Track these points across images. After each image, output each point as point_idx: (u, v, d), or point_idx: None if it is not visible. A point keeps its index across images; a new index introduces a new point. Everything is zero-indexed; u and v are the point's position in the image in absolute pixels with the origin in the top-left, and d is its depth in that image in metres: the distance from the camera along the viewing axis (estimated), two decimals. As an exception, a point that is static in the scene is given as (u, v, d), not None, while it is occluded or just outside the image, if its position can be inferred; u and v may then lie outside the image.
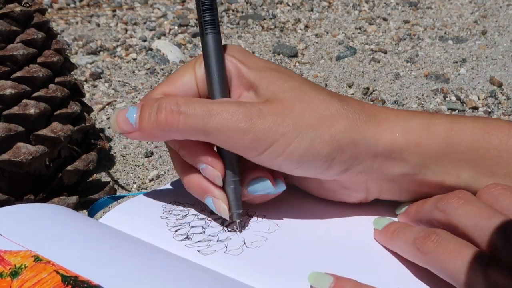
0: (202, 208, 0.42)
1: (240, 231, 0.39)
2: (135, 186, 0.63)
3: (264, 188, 0.39)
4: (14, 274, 0.33)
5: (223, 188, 0.39)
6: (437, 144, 0.37)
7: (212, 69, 0.38)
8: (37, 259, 0.34)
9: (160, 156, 0.68)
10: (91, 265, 0.34)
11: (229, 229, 0.40)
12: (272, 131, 0.36)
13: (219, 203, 0.38)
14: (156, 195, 0.44)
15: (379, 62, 0.93)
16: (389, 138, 0.37)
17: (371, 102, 0.80)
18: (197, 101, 0.37)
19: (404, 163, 0.37)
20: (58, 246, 0.35)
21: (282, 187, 0.40)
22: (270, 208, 0.41)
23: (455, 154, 0.37)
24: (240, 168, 0.39)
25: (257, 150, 0.36)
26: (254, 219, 0.41)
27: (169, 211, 0.42)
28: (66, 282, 0.32)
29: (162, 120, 0.36)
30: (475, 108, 0.78)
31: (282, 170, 0.38)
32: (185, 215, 0.41)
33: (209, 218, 0.41)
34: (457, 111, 0.77)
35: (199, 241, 0.39)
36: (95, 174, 0.64)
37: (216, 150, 0.39)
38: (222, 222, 0.41)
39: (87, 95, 0.81)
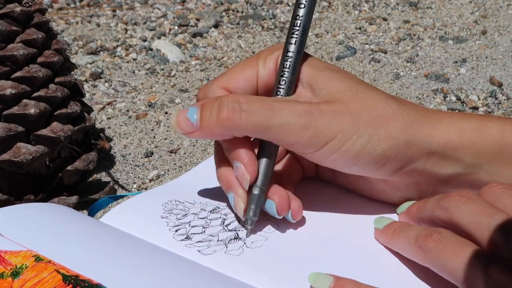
0: (203, 207, 0.42)
1: (247, 236, 0.39)
2: (135, 186, 0.63)
3: (270, 211, 0.39)
4: (15, 274, 0.33)
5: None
6: (490, 145, 0.38)
7: (290, 70, 0.39)
8: (38, 258, 0.34)
9: (160, 156, 0.68)
10: (91, 264, 0.34)
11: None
12: (331, 127, 0.36)
13: (238, 201, 0.39)
14: (156, 194, 0.44)
15: (379, 62, 0.93)
16: (443, 138, 0.38)
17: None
18: (258, 99, 0.37)
19: (457, 162, 0.38)
20: (58, 246, 0.35)
21: (287, 218, 0.39)
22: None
23: (508, 155, 0.38)
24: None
25: (316, 146, 0.37)
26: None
27: (169, 210, 0.42)
28: (67, 282, 0.32)
29: (223, 118, 0.37)
30: (475, 108, 0.78)
31: (337, 167, 0.38)
32: (185, 215, 0.41)
33: (209, 218, 0.41)
34: (457, 111, 0.77)
35: (199, 241, 0.39)
36: (95, 174, 0.64)
37: (256, 155, 0.39)
38: (222, 222, 0.41)
39: (87, 95, 0.81)
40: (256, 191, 0.39)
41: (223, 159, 0.40)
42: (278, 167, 0.44)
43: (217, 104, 0.37)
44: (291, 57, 0.39)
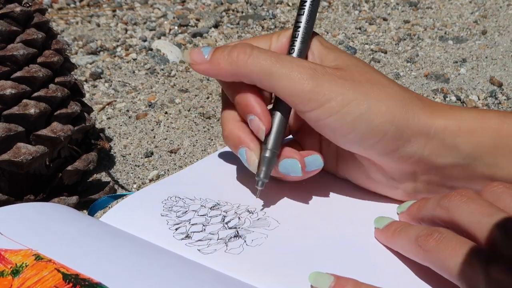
0: (203, 203, 0.42)
1: (257, 196, 0.41)
2: (135, 186, 0.63)
3: (292, 170, 0.40)
4: (15, 272, 0.33)
5: (259, 144, 0.40)
6: (490, 136, 0.38)
7: (300, 39, 0.41)
8: (38, 257, 0.34)
9: (160, 156, 0.68)
10: (92, 263, 0.34)
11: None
12: (331, 88, 0.37)
13: (251, 155, 0.40)
14: (156, 190, 0.44)
15: (379, 62, 0.93)
16: (442, 125, 0.38)
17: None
18: (269, 51, 0.40)
19: (456, 152, 0.38)
20: (58, 245, 0.35)
21: (316, 165, 0.41)
22: (271, 205, 0.41)
23: (507, 147, 0.38)
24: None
25: (314, 102, 0.38)
26: (254, 216, 0.41)
27: (169, 207, 0.42)
28: (67, 280, 0.32)
29: (234, 56, 0.39)
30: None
31: (333, 132, 0.39)
32: (185, 212, 0.41)
33: (209, 215, 0.41)
34: (457, 111, 0.77)
35: (199, 240, 0.39)
36: (95, 174, 0.64)
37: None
38: (223, 219, 0.41)
39: (87, 95, 0.81)
40: (267, 153, 0.40)
41: (230, 117, 0.42)
42: None
43: (231, 46, 0.40)
44: (301, 27, 0.41)
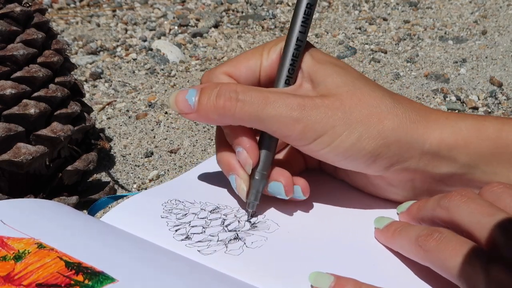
0: (202, 207, 0.42)
1: (248, 221, 0.40)
2: (135, 186, 0.63)
3: (277, 192, 0.40)
4: (18, 258, 0.33)
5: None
6: (487, 145, 0.38)
7: (288, 60, 0.40)
8: (41, 246, 0.34)
9: (160, 156, 0.68)
10: (94, 253, 0.34)
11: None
12: (322, 123, 0.37)
13: (240, 183, 0.40)
14: (156, 193, 0.44)
15: (379, 62, 0.93)
16: (438, 138, 0.38)
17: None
18: (254, 90, 0.38)
19: (452, 162, 0.38)
20: (61, 236, 0.36)
21: (298, 196, 0.40)
22: (270, 207, 0.41)
23: (505, 155, 0.38)
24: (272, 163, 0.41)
25: (306, 139, 0.38)
26: (254, 219, 0.41)
27: (169, 210, 0.42)
28: (70, 267, 0.32)
29: (220, 105, 0.38)
30: (475, 108, 0.78)
31: (328, 161, 0.39)
32: (185, 214, 0.41)
33: (209, 218, 0.41)
34: (457, 111, 0.77)
35: (199, 241, 0.39)
36: (95, 174, 0.64)
37: (257, 140, 0.40)
38: (222, 222, 0.41)
39: (87, 95, 0.81)
40: (257, 176, 0.40)
41: (223, 143, 0.41)
42: (280, 156, 0.45)
43: (216, 90, 0.38)
44: (292, 47, 0.40)
